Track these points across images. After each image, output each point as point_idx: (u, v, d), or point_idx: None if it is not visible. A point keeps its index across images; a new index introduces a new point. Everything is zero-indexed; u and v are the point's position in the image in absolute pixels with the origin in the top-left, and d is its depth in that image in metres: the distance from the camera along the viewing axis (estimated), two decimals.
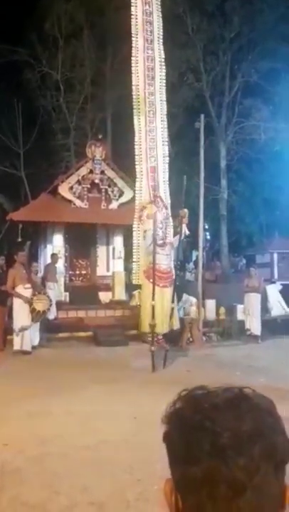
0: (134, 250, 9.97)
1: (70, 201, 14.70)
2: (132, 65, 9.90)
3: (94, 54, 21.84)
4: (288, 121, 19.79)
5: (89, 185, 14.92)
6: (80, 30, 21.51)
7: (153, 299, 8.40)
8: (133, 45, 9.89)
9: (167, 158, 9.97)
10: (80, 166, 15.27)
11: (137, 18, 9.83)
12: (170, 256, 9.18)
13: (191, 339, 11.77)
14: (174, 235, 9.39)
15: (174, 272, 9.33)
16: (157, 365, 8.50)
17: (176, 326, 9.37)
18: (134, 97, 9.84)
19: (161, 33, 10.11)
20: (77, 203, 14.72)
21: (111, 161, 15.90)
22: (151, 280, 8.53)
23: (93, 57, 21.82)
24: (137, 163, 9.72)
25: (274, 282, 15.31)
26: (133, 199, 15.16)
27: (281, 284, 15.25)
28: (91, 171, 14.93)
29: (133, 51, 9.87)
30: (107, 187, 15.06)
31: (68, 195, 14.71)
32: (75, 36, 21.35)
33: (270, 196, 22.52)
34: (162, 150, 9.87)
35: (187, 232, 9.43)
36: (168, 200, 9.72)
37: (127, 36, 21.46)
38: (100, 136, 16.97)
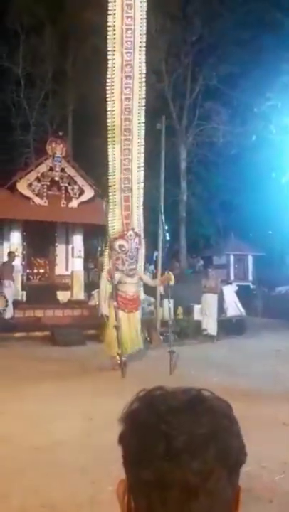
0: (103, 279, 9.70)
1: (28, 198, 14.46)
2: (108, 87, 8.78)
3: (55, 50, 21.60)
4: (245, 126, 20.28)
5: (48, 183, 14.72)
6: (42, 25, 21.24)
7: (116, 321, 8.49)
8: (109, 65, 8.64)
9: (142, 184, 9.41)
10: (40, 162, 15.04)
11: (114, 29, 8.53)
12: (139, 284, 9.31)
13: (148, 339, 11.84)
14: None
15: (140, 297, 9.62)
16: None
17: (141, 345, 9.48)
18: (108, 125, 8.94)
19: (144, 41, 8.76)
20: (37, 200, 14.50)
21: (71, 159, 15.76)
22: (115, 303, 8.62)
23: (54, 54, 21.59)
24: (110, 193, 9.24)
25: (230, 283, 15.62)
26: (93, 198, 15.15)
27: (237, 285, 15.59)
28: (51, 169, 14.73)
29: (109, 72, 8.69)
30: (67, 185, 14.91)
31: (27, 192, 14.46)
32: (36, 31, 21.05)
33: (227, 199, 22.99)
34: (137, 176, 9.31)
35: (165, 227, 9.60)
36: (141, 225, 9.43)
37: (89, 33, 21.33)
38: (61, 134, 16.78)
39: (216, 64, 20.93)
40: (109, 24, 8.55)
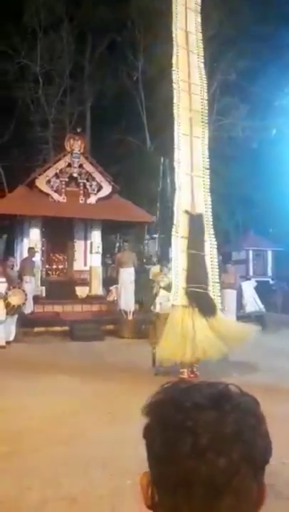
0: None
1: (47, 194, 14.56)
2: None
3: (73, 46, 21.67)
4: (265, 120, 20.04)
5: (67, 179, 14.80)
6: (59, 22, 21.31)
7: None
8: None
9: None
10: (58, 159, 15.12)
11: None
12: None
13: None
14: None
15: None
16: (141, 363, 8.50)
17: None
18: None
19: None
20: (55, 196, 14.59)
21: (89, 155, 15.81)
22: None
23: (72, 50, 21.65)
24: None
25: (249, 279, 15.50)
26: (111, 194, 15.18)
27: (256, 281, 15.47)
28: (69, 165, 14.79)
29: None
30: (85, 181, 14.96)
31: (46, 189, 14.56)
32: (54, 28, 21.15)
33: (246, 194, 22.76)
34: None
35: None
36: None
37: (105, 29, 21.24)
38: (79, 130, 16.83)
39: (235, 59, 20.71)
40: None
